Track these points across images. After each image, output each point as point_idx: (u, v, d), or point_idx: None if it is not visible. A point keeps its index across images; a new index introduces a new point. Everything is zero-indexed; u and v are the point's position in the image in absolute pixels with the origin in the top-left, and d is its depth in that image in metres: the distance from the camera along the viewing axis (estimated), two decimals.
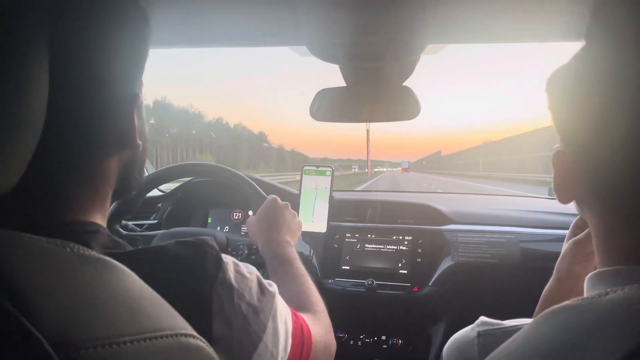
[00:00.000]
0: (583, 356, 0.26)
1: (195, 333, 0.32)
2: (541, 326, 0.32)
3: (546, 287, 0.63)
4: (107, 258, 0.30)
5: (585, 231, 0.59)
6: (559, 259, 0.62)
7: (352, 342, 1.25)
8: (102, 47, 0.39)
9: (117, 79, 0.41)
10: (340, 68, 0.90)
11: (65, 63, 0.36)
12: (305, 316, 0.60)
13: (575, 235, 0.61)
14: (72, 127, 0.39)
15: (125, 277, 0.30)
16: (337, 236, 1.34)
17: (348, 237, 1.33)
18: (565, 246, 0.62)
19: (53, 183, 0.39)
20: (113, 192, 0.46)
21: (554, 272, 0.63)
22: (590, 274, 0.39)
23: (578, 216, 0.63)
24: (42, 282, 0.25)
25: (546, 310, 0.32)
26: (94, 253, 0.29)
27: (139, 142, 0.44)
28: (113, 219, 1.05)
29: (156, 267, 0.39)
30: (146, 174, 1.58)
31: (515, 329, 0.41)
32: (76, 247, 0.29)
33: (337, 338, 1.25)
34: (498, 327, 0.48)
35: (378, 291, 1.20)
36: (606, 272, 0.37)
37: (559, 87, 0.41)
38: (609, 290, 0.29)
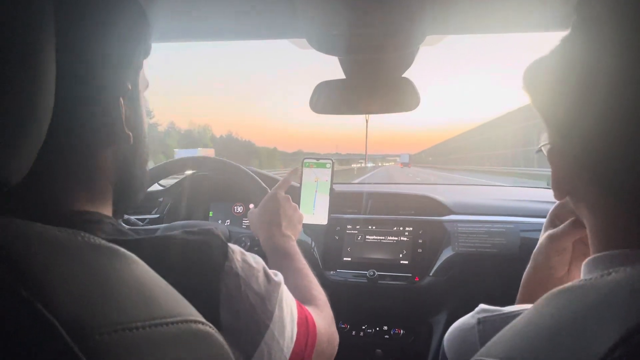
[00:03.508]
0: (584, 335, 0.26)
1: (204, 319, 0.32)
2: (543, 308, 0.32)
3: (525, 273, 0.62)
4: (116, 246, 0.30)
5: (561, 226, 0.57)
6: (536, 249, 0.61)
7: (354, 332, 1.26)
8: (92, 36, 0.39)
9: (103, 69, 0.40)
10: (340, 60, 0.90)
11: (61, 53, 0.35)
12: (308, 309, 0.61)
13: (553, 226, 0.59)
14: (65, 118, 0.38)
15: (134, 264, 0.31)
16: (338, 228, 1.35)
17: (349, 229, 1.34)
18: (542, 237, 0.60)
19: (53, 175, 0.39)
20: (116, 191, 0.46)
21: (531, 260, 0.61)
22: (586, 259, 0.39)
23: (555, 205, 0.61)
24: (56, 270, 0.26)
25: (548, 292, 0.33)
26: (103, 241, 0.30)
27: (128, 132, 0.43)
28: (113, 214, 1.05)
29: (163, 255, 0.40)
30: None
31: (514, 315, 0.41)
32: (87, 235, 0.29)
33: (340, 329, 1.26)
34: (498, 313, 0.48)
35: (379, 282, 1.21)
36: (602, 257, 0.37)
37: (545, 81, 0.40)
38: (611, 270, 0.29)
